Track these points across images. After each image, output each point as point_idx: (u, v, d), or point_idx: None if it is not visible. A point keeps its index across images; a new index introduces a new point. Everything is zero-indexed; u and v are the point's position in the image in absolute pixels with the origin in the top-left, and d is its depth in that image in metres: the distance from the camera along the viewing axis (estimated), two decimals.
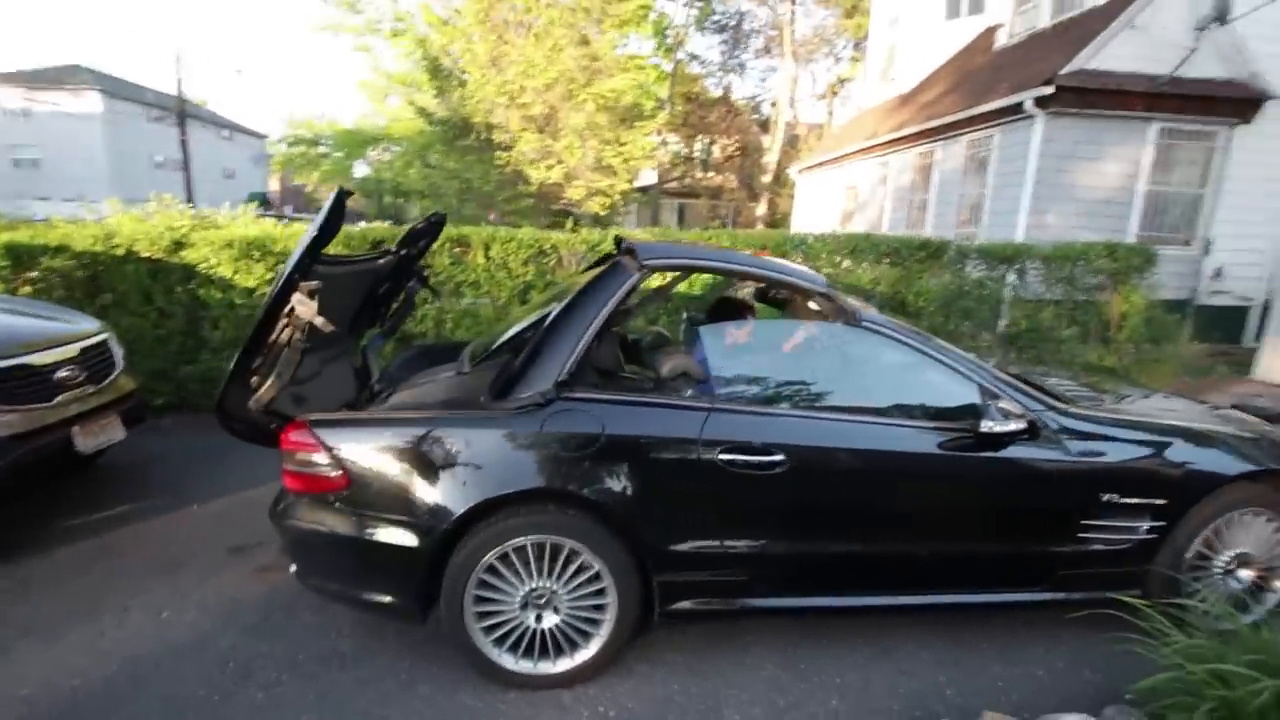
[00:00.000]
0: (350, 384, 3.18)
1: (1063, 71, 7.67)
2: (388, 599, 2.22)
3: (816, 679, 2.33)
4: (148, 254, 4.69)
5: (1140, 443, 2.42)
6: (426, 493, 2.11)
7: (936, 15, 12.56)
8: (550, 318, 2.27)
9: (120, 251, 4.62)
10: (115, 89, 29.94)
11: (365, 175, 28.89)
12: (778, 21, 20.62)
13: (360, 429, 2.17)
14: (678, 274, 3.79)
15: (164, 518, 3.46)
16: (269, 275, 4.83)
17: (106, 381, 3.43)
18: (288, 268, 2.22)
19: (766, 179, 20.88)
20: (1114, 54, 7.78)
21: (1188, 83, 7.78)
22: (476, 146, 12.81)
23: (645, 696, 2.22)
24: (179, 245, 4.74)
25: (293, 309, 2.22)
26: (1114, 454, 2.37)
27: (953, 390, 2.38)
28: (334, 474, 2.14)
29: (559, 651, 2.23)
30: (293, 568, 2.35)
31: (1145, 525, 2.39)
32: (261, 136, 31.48)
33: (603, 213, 13.09)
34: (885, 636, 2.55)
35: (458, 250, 4.99)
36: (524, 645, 2.21)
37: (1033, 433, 2.29)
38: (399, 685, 2.25)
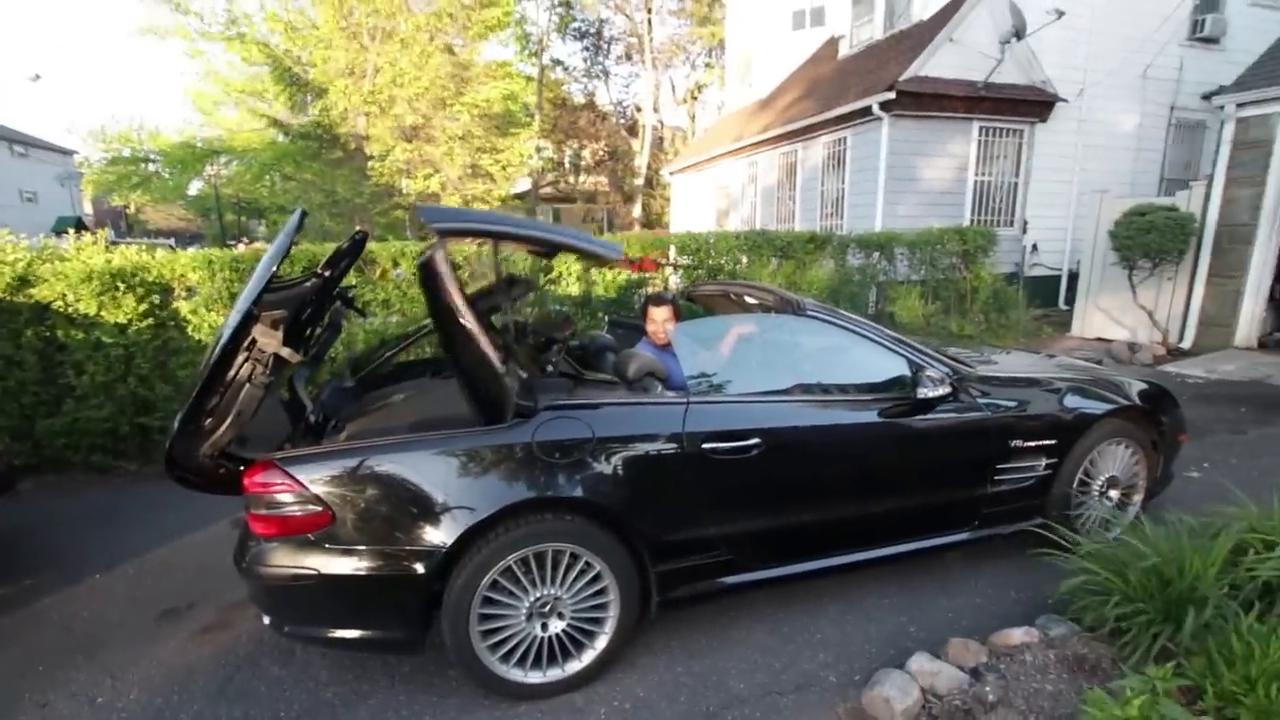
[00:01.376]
0: (283, 418, 2.97)
1: (901, 78, 8.65)
2: (387, 633, 2.14)
3: (800, 639, 2.54)
4: None
5: (1034, 394, 2.90)
6: (422, 517, 2.06)
7: (784, 27, 13.59)
8: (447, 335, 2.25)
9: None
10: None
11: (199, 192, 26.00)
12: (635, 29, 21.25)
13: (339, 460, 2.07)
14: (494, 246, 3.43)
15: (60, 593, 3.02)
16: (143, 309, 4.31)
17: None
18: (245, 299, 2.07)
19: (638, 181, 21.43)
20: (940, 63, 8.90)
21: (998, 88, 9.09)
22: (345, 158, 12.04)
23: (654, 684, 2.31)
24: (24, 282, 4.10)
25: (254, 341, 2.07)
26: (1017, 406, 2.82)
27: (887, 365, 2.70)
28: (313, 511, 2.03)
29: (566, 656, 2.27)
30: (266, 619, 2.19)
31: (1043, 463, 2.86)
32: (68, 153, 27.19)
33: None
34: (849, 591, 2.83)
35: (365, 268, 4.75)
36: (532, 656, 2.22)
37: (955, 395, 2.66)
38: None
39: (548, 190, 23.07)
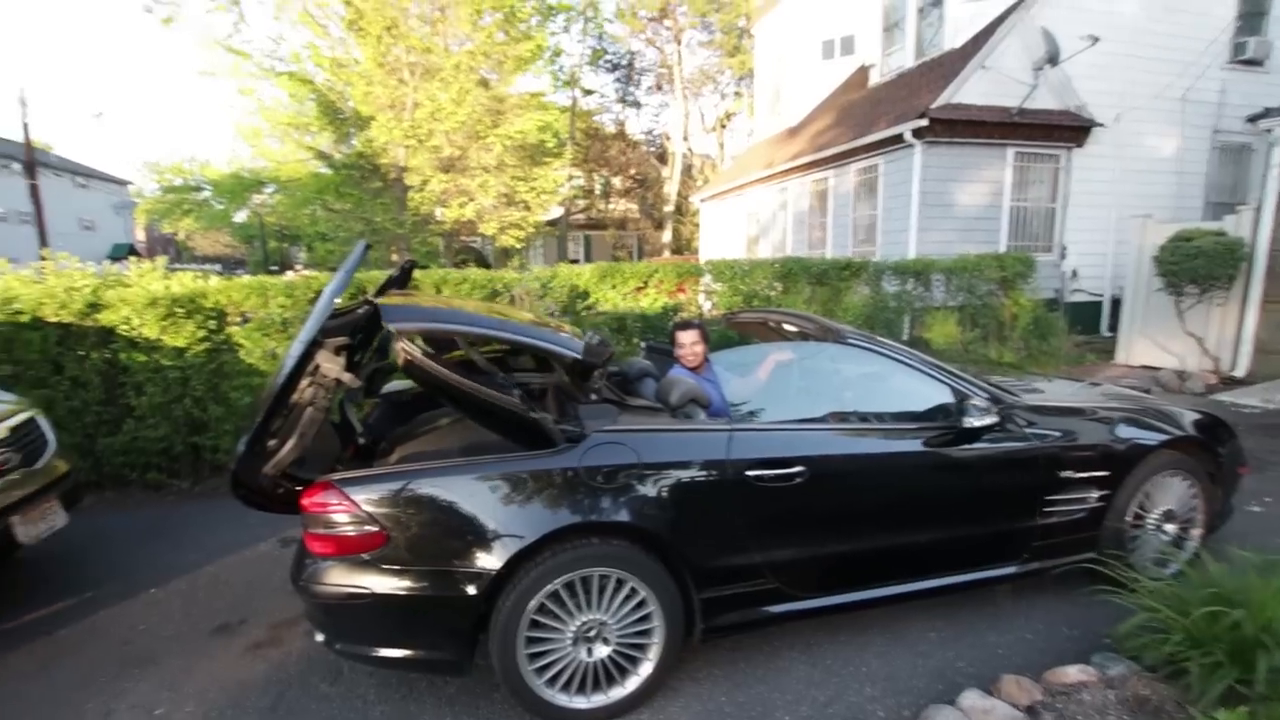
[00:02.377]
0: (334, 440, 3.06)
1: (933, 105, 8.67)
2: (436, 654, 2.17)
3: (845, 672, 2.50)
4: (56, 318, 4.24)
5: (1084, 424, 2.84)
6: (473, 539, 2.10)
7: (814, 56, 13.74)
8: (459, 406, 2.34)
9: (25, 318, 4.14)
10: None
11: (244, 220, 27.07)
12: (666, 60, 21.70)
13: (393, 482, 2.13)
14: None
15: (118, 607, 3.12)
16: (200, 334, 4.50)
17: (40, 463, 3.09)
18: (311, 326, 2.16)
19: (668, 208, 21.67)
20: (972, 90, 8.90)
21: (1032, 113, 9.03)
22: (384, 188, 12.47)
23: (698, 712, 2.30)
24: (94, 307, 4.32)
25: (317, 367, 2.16)
26: (1066, 436, 2.77)
27: (931, 393, 2.69)
28: (368, 532, 2.09)
29: (611, 681, 2.27)
30: (319, 636, 2.24)
31: (1094, 495, 2.79)
32: (123, 183, 28.78)
33: (518, 246, 13.08)
34: (894, 624, 2.78)
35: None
36: (577, 681, 2.23)
37: (1001, 424, 2.63)
38: None
39: (579, 217, 23.47)
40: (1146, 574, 2.66)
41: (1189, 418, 3.10)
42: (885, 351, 2.70)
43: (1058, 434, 2.77)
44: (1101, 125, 9.26)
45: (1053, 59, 8.71)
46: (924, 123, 8.64)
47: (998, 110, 8.92)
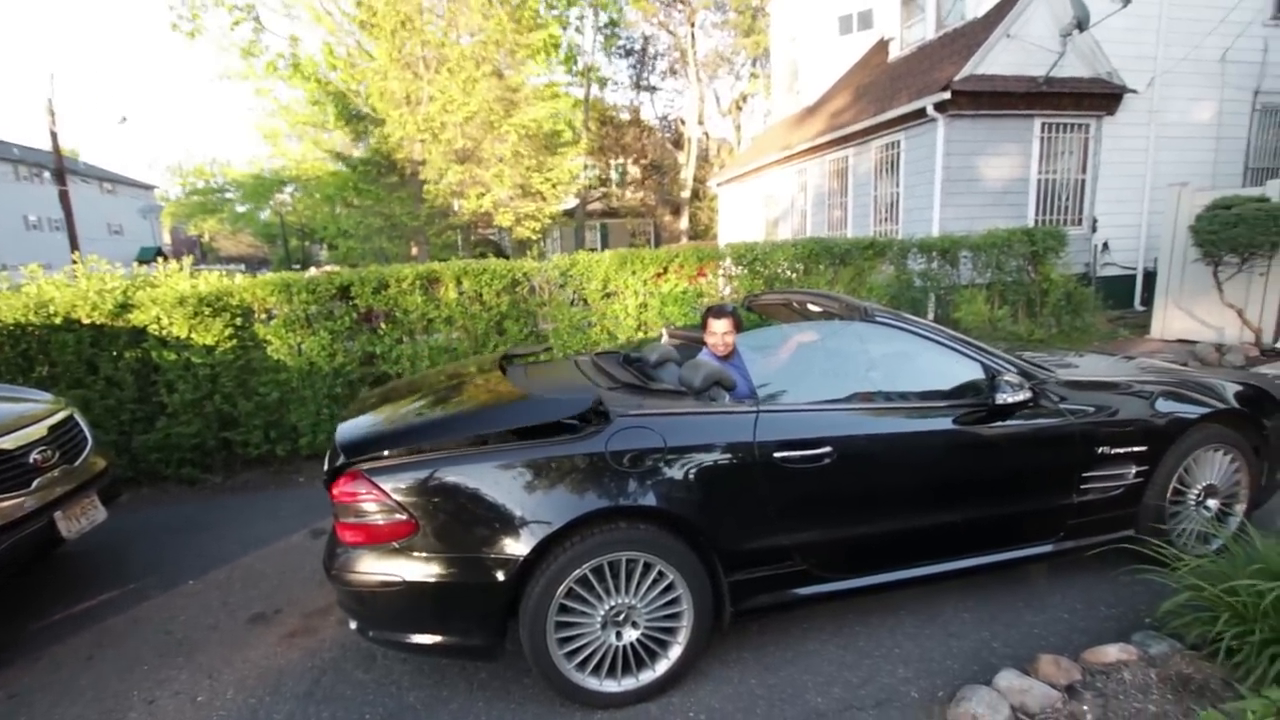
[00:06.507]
0: None
1: (956, 78, 8.44)
2: (467, 639, 2.19)
3: (878, 653, 2.47)
4: (89, 320, 4.34)
5: (1120, 398, 2.76)
6: (501, 525, 2.11)
7: (831, 32, 13.47)
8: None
9: (58, 320, 4.25)
10: None
11: (267, 220, 27.53)
12: (679, 44, 21.44)
13: (423, 470, 2.14)
14: None
15: (158, 598, 3.20)
16: (228, 331, 4.57)
17: (80, 460, 3.16)
18: None
19: (685, 194, 21.50)
20: (997, 60, 8.65)
21: (1060, 82, 8.75)
22: (401, 183, 12.56)
23: (728, 695, 2.29)
24: (125, 307, 4.41)
25: None
26: (1101, 410, 2.69)
27: (961, 370, 2.63)
28: (397, 520, 2.10)
29: (641, 665, 2.27)
30: (353, 624, 2.27)
31: (1132, 471, 2.71)
32: (148, 187, 29.45)
33: (533, 237, 13.10)
34: (926, 605, 2.74)
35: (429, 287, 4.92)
36: (607, 664, 2.24)
37: (1035, 400, 2.56)
38: None
39: (595, 207, 23.39)
40: (1188, 551, 2.60)
41: (1231, 389, 2.99)
42: (913, 329, 2.65)
43: (1093, 409, 2.69)
44: (1134, 92, 8.94)
45: (1081, 24, 8.41)
46: (946, 96, 8.42)
47: (1024, 80, 8.66)
